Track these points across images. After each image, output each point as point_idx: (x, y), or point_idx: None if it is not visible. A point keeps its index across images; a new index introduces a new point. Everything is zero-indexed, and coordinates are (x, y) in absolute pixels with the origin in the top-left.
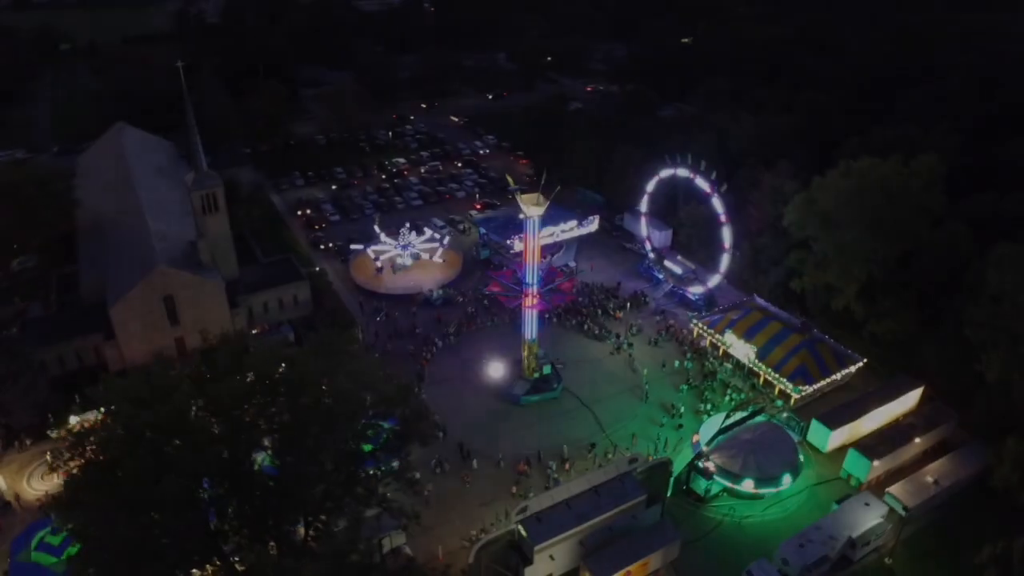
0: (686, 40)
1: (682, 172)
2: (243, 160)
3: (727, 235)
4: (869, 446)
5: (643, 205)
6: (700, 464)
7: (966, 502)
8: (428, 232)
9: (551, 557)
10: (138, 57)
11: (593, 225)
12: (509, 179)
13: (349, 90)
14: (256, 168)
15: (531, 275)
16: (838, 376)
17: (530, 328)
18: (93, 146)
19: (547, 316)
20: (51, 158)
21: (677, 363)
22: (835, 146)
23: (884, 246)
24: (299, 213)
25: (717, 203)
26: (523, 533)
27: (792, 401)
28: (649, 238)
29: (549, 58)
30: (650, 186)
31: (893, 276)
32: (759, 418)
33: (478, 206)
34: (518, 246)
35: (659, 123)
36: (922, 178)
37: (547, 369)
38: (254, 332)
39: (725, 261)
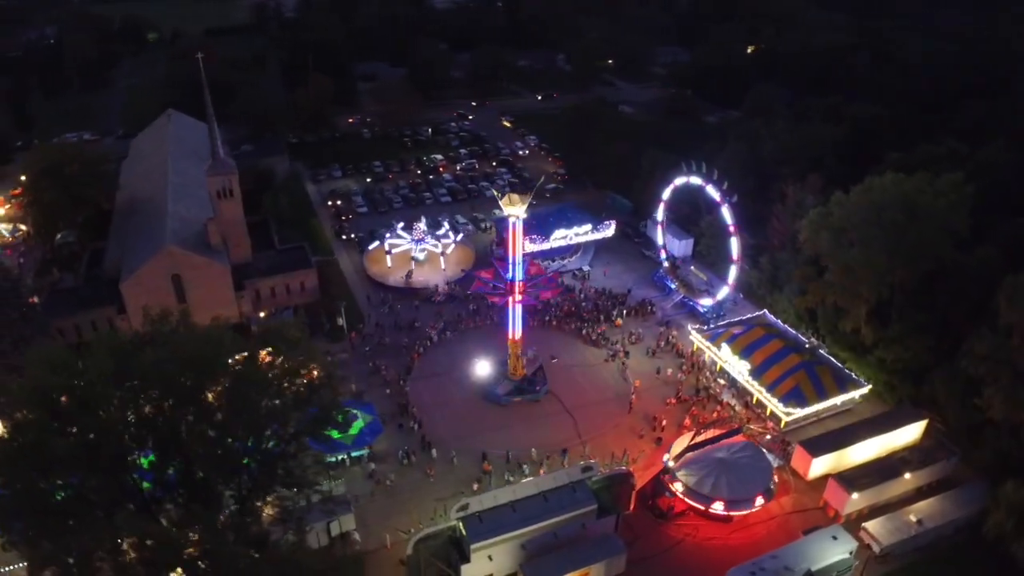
0: (753, 47)
1: (695, 180)
2: (280, 150)
3: (735, 247)
4: (851, 477)
5: (659, 212)
6: (665, 480)
7: (956, 547)
8: (443, 228)
9: (489, 557)
10: (202, 48)
11: (609, 230)
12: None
13: (394, 86)
14: (297, 158)
15: (513, 272)
16: (838, 401)
17: (514, 326)
18: (145, 131)
19: (548, 319)
20: (114, 141)
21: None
22: (877, 161)
23: (901, 268)
24: (329, 204)
25: (726, 213)
26: (462, 531)
27: (782, 424)
28: (664, 246)
29: (610, 61)
30: (666, 193)
31: (910, 300)
32: (738, 437)
33: None
34: (529, 246)
35: (697, 129)
36: (948, 197)
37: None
38: (261, 315)
39: (733, 274)
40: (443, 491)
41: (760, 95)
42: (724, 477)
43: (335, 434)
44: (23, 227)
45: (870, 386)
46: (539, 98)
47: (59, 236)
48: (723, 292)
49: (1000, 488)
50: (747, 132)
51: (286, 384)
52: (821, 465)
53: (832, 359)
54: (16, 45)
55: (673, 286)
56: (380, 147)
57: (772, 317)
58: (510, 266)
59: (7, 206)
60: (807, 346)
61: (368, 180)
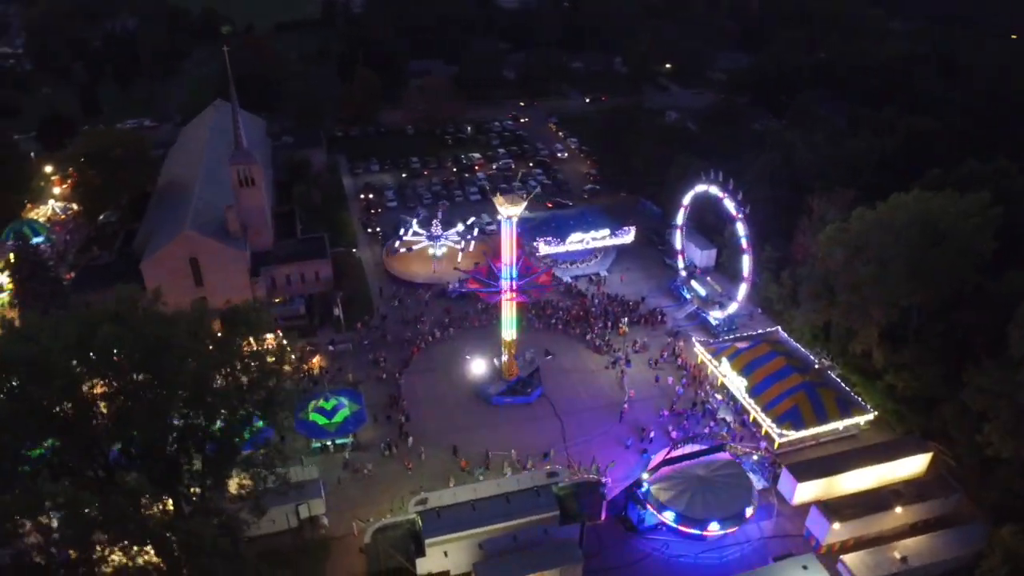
0: (821, 55)
1: (713, 190)
2: (319, 142)
3: (746, 263)
4: (835, 507)
5: (679, 219)
6: (638, 492)
7: None
8: (460, 225)
9: (445, 553)
10: (258, 42)
11: (628, 236)
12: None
13: (437, 84)
14: (340, 151)
15: (507, 273)
16: (839, 426)
17: (508, 326)
18: (194, 120)
19: (554, 322)
20: (171, 128)
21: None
22: (919, 176)
23: (919, 290)
24: (362, 197)
25: (740, 227)
26: (420, 524)
27: (776, 445)
28: (682, 254)
29: (668, 65)
30: (686, 199)
31: (926, 325)
32: (723, 455)
33: (549, 204)
34: (543, 248)
35: (739, 137)
36: (974, 219)
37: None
38: (276, 301)
39: (743, 291)
40: (418, 484)
41: (804, 103)
42: (700, 495)
43: (320, 420)
44: (74, 206)
45: (875, 413)
46: (587, 100)
47: (102, 216)
48: (732, 307)
49: (997, 531)
50: (783, 142)
51: (238, 367)
52: (807, 491)
53: (839, 382)
54: (98, 35)
55: (688, 296)
56: (421, 143)
57: (784, 335)
58: (503, 266)
59: (63, 186)
60: (816, 367)
61: (404, 175)
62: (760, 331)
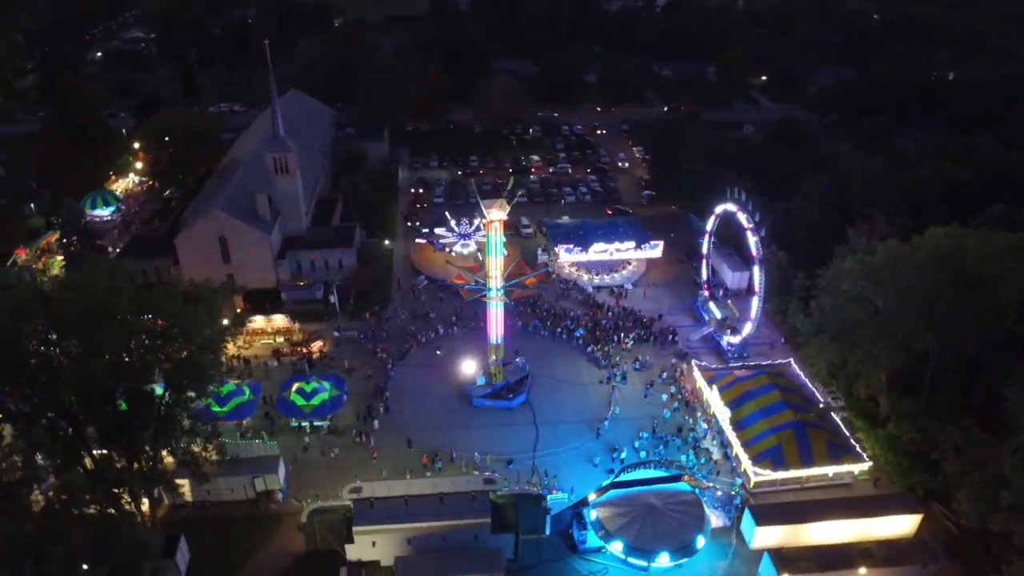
0: (929, 73)
1: (731, 207)
2: (380, 135)
3: (757, 277)
4: (790, 557)
5: (705, 239)
6: (582, 512)
7: None
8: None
9: (373, 543)
10: (353, 34)
11: (656, 251)
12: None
13: (507, 84)
14: (404, 145)
15: (493, 274)
16: (828, 472)
17: (496, 331)
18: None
19: (559, 331)
20: (256, 112)
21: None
22: (981, 211)
23: (936, 335)
24: (412, 191)
25: (753, 244)
26: (351, 512)
27: (752, 483)
28: (709, 273)
29: (763, 77)
30: (711, 219)
31: (944, 374)
32: (682, 486)
33: (609, 211)
34: (562, 255)
35: (800, 156)
36: (1009, 261)
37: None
38: (300, 284)
39: (755, 307)
40: (380, 473)
41: (877, 124)
42: (646, 524)
43: (299, 401)
44: (147, 181)
45: (870, 463)
46: (665, 109)
47: (168, 192)
48: (747, 329)
49: None
50: (837, 164)
51: (175, 343)
52: (768, 536)
53: (840, 425)
54: (217, 24)
55: (707, 317)
56: (485, 143)
57: (796, 368)
58: (491, 268)
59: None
60: (820, 405)
61: (459, 173)
62: (770, 362)
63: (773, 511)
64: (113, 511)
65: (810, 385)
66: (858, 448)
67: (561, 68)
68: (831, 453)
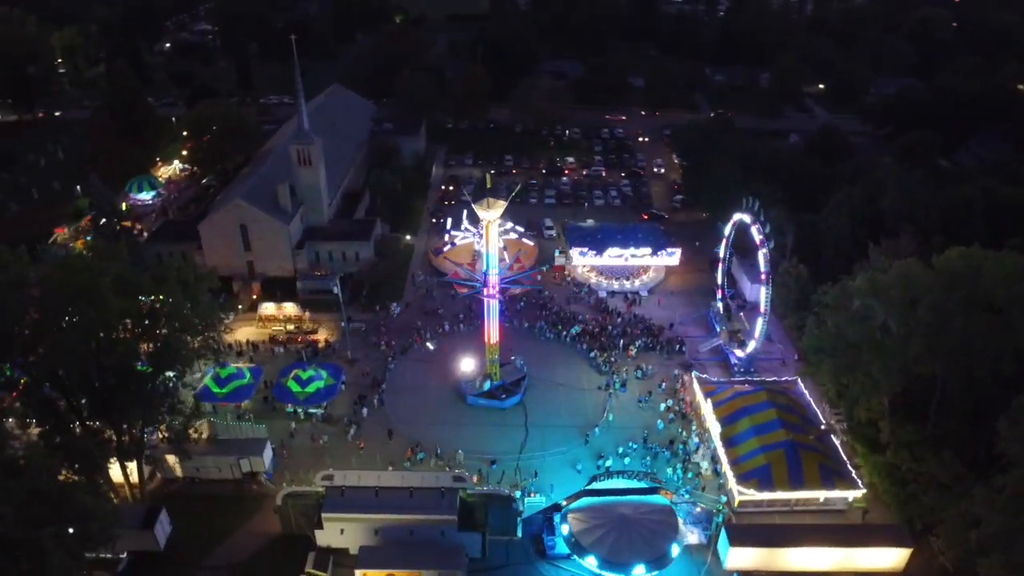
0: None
1: (746, 218)
2: (415, 131)
3: (763, 296)
4: None
5: (721, 248)
6: (553, 518)
7: None
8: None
9: (341, 531)
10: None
11: (673, 258)
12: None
13: (546, 85)
14: (442, 142)
15: (488, 271)
16: (821, 497)
17: (490, 328)
18: (313, 100)
19: (564, 335)
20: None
21: (661, 421)
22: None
23: (942, 360)
24: (442, 188)
25: (761, 258)
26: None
27: (736, 502)
28: (722, 285)
29: (820, 85)
30: (728, 227)
31: (951, 404)
32: (658, 498)
33: (644, 216)
34: (576, 257)
35: (837, 168)
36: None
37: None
38: (317, 274)
39: (760, 326)
40: (363, 463)
41: (916, 139)
42: (616, 535)
43: (295, 388)
44: (191, 168)
45: (864, 491)
46: (712, 115)
47: (206, 179)
48: (751, 346)
49: None
50: (870, 179)
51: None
52: (742, 557)
53: (838, 449)
54: (280, 19)
55: (718, 329)
56: (523, 142)
57: (802, 387)
58: (486, 266)
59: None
60: (822, 427)
61: (492, 172)
62: (775, 379)
63: (750, 532)
64: (76, 478)
65: (814, 406)
66: (854, 474)
67: (607, 70)
68: (823, 477)
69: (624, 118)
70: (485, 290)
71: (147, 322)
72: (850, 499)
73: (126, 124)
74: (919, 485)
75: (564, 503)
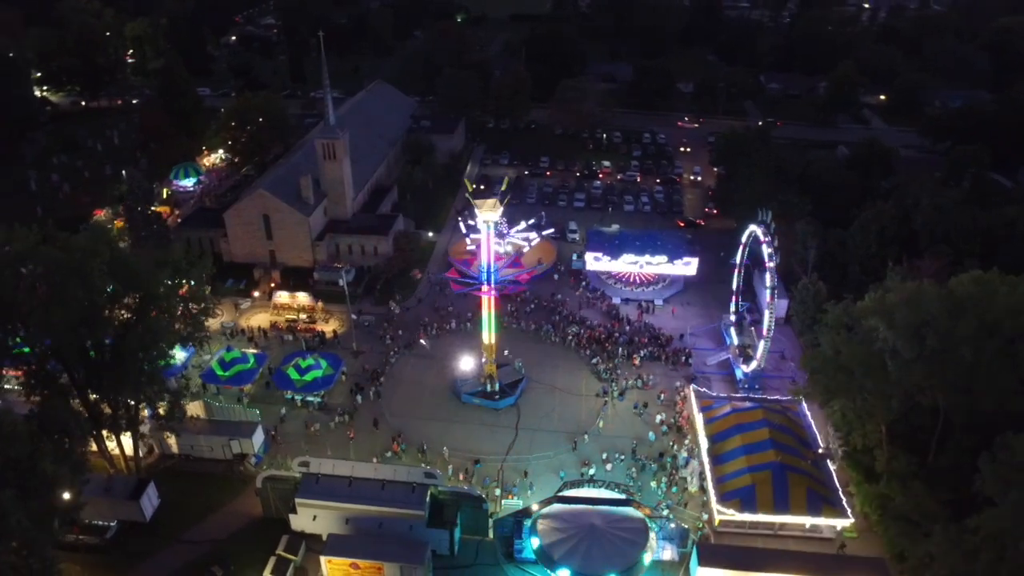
0: None
1: (759, 232)
2: (451, 129)
3: (767, 318)
4: None
5: (738, 256)
6: (523, 522)
7: None
8: (523, 223)
9: (314, 517)
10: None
11: (690, 268)
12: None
13: (586, 87)
14: (480, 140)
15: (487, 276)
16: (807, 523)
17: (489, 329)
18: (355, 95)
19: (570, 340)
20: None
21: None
22: None
23: (944, 390)
24: (474, 186)
25: (768, 278)
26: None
27: (716, 521)
28: (737, 296)
29: (882, 96)
30: (744, 237)
31: (953, 437)
32: (631, 511)
33: (681, 223)
34: (591, 263)
35: (874, 184)
36: None
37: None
38: (336, 265)
39: (762, 349)
40: (348, 453)
41: (963, 154)
42: (584, 545)
43: (293, 375)
44: (233, 157)
45: (852, 520)
46: (759, 124)
47: (245, 168)
48: (753, 365)
49: None
50: (904, 195)
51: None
52: None
53: (832, 475)
54: (342, 15)
55: (728, 342)
56: (561, 144)
57: (804, 407)
58: (483, 268)
59: None
60: (820, 451)
61: (526, 172)
62: (777, 397)
63: (721, 553)
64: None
65: (814, 428)
66: (844, 503)
67: (655, 75)
68: (810, 503)
69: (685, 120)
70: (483, 288)
71: (131, 304)
72: (838, 528)
73: (174, 113)
74: (886, 520)
75: (533, 508)
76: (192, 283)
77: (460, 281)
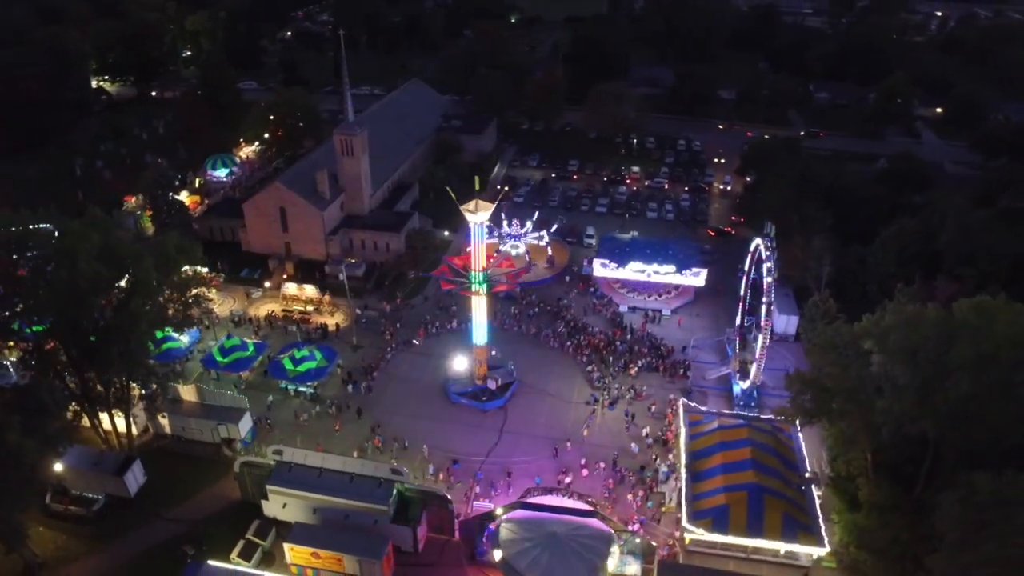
0: None
1: (762, 248)
2: (481, 129)
3: (761, 342)
4: None
5: (746, 263)
6: (485, 525)
7: None
8: (529, 224)
9: (284, 505)
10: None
11: (698, 278)
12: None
13: (618, 91)
14: (512, 142)
15: (476, 279)
16: (781, 549)
17: (479, 333)
18: (391, 93)
19: (569, 346)
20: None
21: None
22: None
23: (936, 421)
24: (499, 187)
25: (765, 294)
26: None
27: (687, 540)
28: (743, 310)
29: (938, 109)
30: (752, 246)
31: (941, 468)
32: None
33: (711, 232)
34: (598, 269)
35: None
36: None
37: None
38: (349, 260)
39: (754, 372)
40: (334, 444)
41: (1002, 174)
42: (544, 553)
43: (287, 365)
44: (267, 150)
45: (827, 550)
46: (801, 134)
47: (275, 162)
48: (746, 384)
49: None
50: (929, 213)
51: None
52: None
53: (815, 501)
54: (396, 13)
55: (730, 356)
56: (592, 148)
57: (797, 428)
58: (473, 271)
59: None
60: (807, 475)
61: (553, 175)
62: (769, 417)
63: (685, 572)
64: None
65: (803, 450)
66: (823, 530)
67: (696, 80)
68: (786, 528)
69: (723, 125)
70: (473, 288)
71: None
72: (815, 556)
73: (214, 105)
74: (878, 553)
75: (499, 512)
76: (184, 270)
77: (450, 280)
